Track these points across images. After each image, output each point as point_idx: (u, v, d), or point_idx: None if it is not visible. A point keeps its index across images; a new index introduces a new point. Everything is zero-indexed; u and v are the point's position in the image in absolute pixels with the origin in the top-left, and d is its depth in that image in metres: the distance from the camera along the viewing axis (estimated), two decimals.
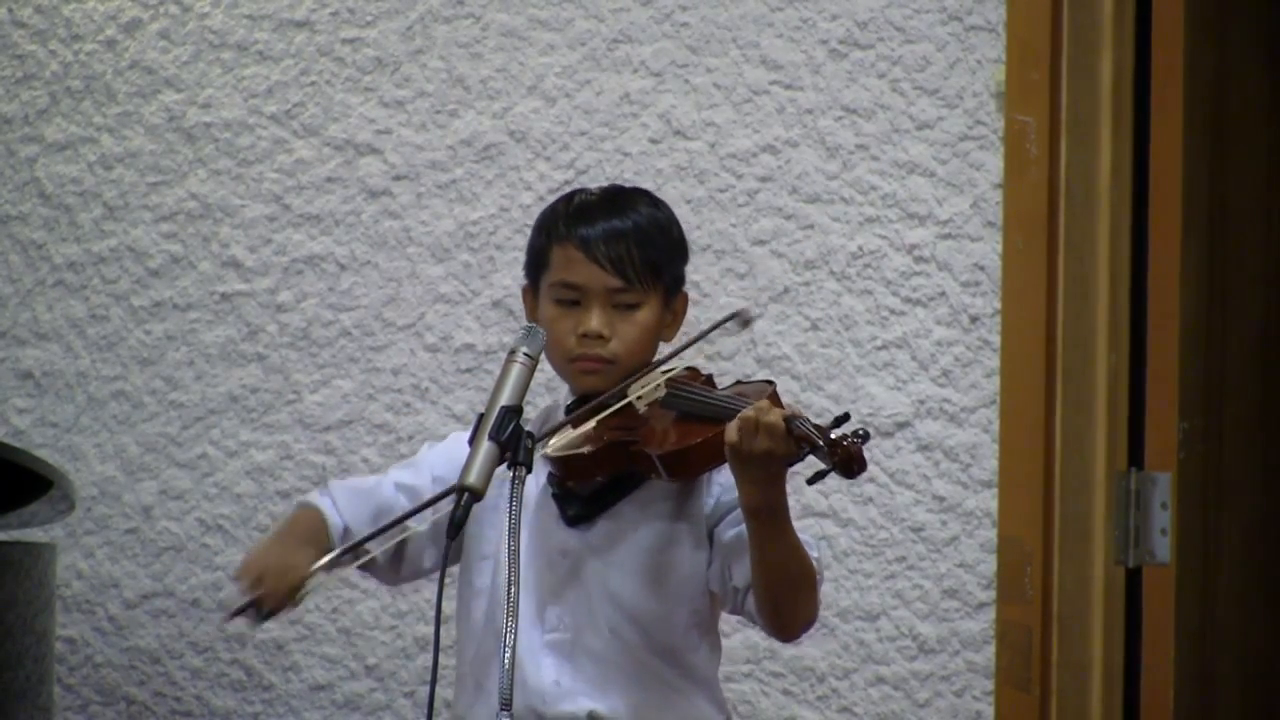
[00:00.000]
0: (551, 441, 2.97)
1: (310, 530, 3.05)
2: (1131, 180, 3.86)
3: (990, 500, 3.92)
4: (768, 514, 2.80)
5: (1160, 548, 3.82)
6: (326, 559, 2.99)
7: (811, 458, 2.72)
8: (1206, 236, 3.92)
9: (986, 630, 3.92)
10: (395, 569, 3.11)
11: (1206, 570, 3.94)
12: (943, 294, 3.97)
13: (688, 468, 2.89)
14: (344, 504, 3.08)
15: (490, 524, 3.01)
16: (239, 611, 2.96)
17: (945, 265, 3.96)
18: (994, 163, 3.94)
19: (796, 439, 2.72)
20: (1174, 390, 3.82)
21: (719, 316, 3.06)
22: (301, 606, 4.33)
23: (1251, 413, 4.05)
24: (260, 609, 2.95)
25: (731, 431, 2.76)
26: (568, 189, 4.18)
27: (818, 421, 2.72)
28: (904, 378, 3.99)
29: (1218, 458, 3.94)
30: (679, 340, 3.07)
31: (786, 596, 2.88)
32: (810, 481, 2.73)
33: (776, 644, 3.99)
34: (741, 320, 3.08)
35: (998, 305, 3.92)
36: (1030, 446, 3.85)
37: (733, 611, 2.98)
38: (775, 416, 2.73)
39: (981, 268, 3.94)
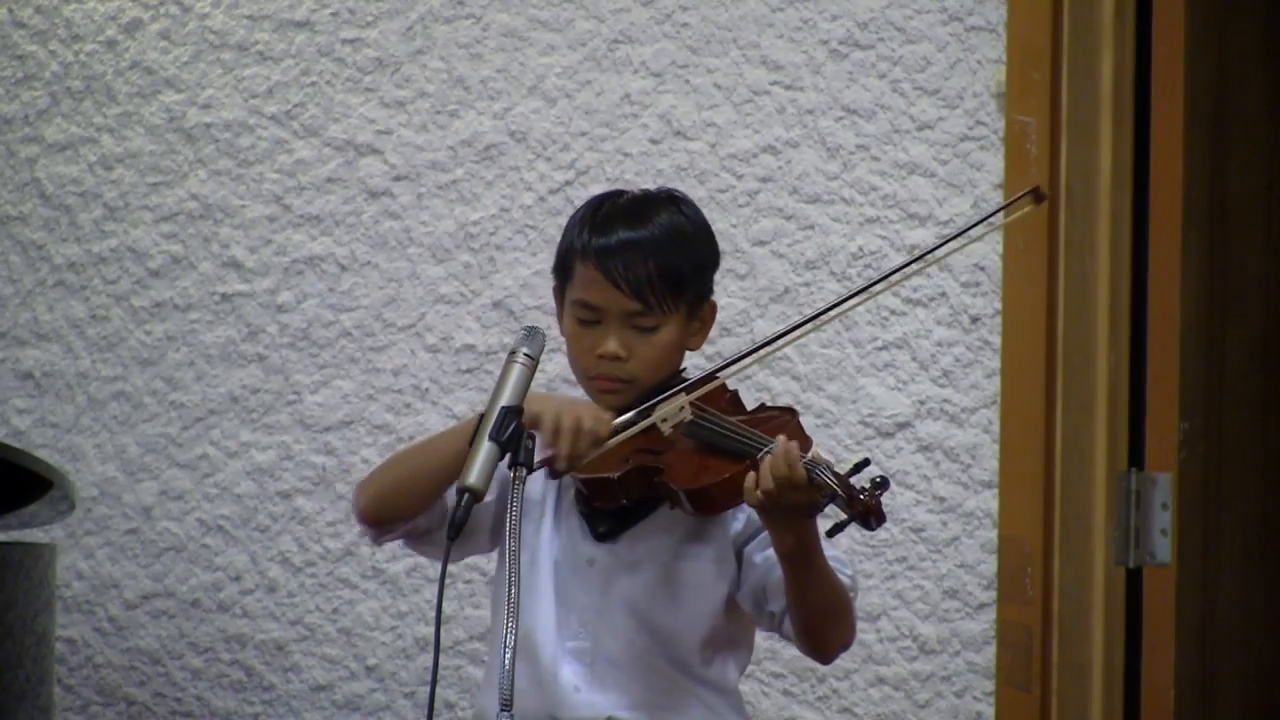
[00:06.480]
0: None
1: None
2: (1132, 180, 3.86)
3: (991, 501, 3.91)
4: (800, 555, 2.82)
5: (1160, 548, 3.82)
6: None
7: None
8: (1207, 237, 3.92)
9: (987, 631, 3.92)
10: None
11: (1206, 570, 3.94)
12: (943, 294, 3.96)
13: (712, 505, 2.88)
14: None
15: (528, 520, 2.99)
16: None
17: (945, 265, 3.96)
18: (994, 163, 3.93)
19: (816, 487, 2.73)
20: (1174, 390, 3.82)
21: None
22: (301, 607, 4.37)
23: (1251, 413, 4.04)
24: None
25: (753, 487, 2.77)
26: (568, 190, 4.20)
27: (838, 469, 2.73)
28: (904, 378, 3.98)
29: (1218, 458, 3.94)
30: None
31: (823, 626, 2.90)
32: (830, 534, 2.74)
33: (777, 644, 3.99)
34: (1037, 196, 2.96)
35: (998, 306, 3.92)
36: (1030, 447, 3.85)
37: (769, 630, 2.98)
38: (800, 472, 2.74)
39: (982, 268, 3.94)
